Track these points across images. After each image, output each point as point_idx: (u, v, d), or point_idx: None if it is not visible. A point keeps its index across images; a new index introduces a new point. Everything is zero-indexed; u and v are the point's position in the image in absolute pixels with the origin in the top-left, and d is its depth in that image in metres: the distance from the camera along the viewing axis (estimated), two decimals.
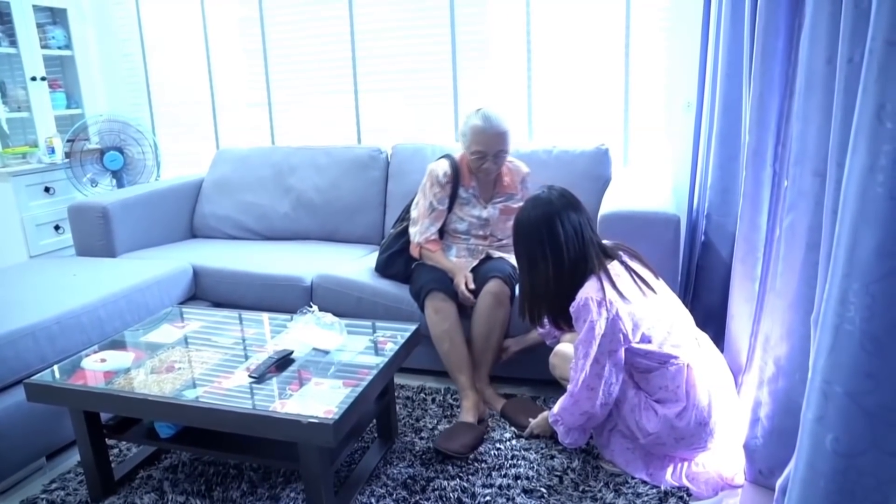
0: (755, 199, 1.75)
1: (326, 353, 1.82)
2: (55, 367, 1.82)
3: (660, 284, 1.81)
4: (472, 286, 2.22)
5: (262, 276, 2.61)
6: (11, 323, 1.97)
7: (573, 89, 3.07)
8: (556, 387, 2.36)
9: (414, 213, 2.45)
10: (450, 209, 2.40)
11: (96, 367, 1.80)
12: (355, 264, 2.65)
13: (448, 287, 2.24)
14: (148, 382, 1.69)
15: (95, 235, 2.91)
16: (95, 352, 1.91)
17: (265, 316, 2.14)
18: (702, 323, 2.46)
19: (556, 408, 1.81)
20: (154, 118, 3.93)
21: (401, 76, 3.32)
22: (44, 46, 3.70)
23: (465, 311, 2.26)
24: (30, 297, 2.21)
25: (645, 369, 1.74)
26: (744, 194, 1.81)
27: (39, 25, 3.67)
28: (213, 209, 3.27)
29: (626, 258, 1.80)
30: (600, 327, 1.65)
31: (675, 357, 1.71)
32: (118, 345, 1.96)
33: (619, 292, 1.68)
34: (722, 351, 1.97)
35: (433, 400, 2.30)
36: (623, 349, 1.69)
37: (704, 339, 1.87)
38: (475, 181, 2.39)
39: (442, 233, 2.44)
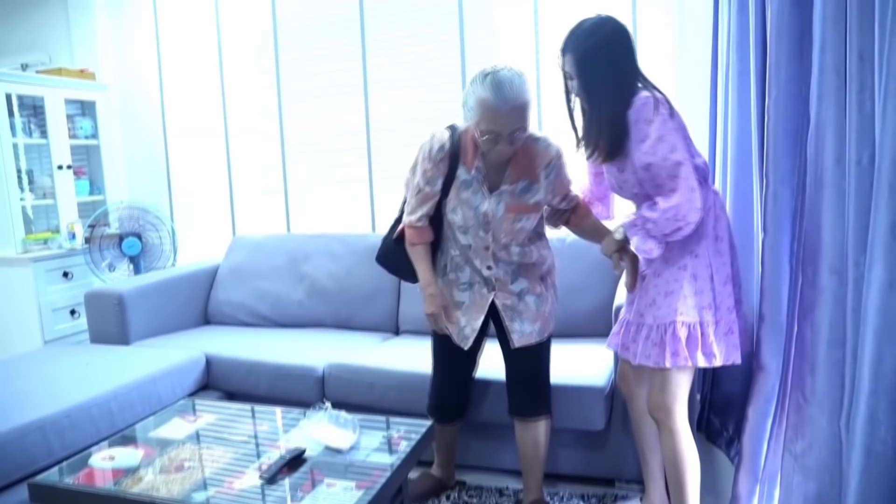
0: (775, 297, 1.74)
1: (339, 451, 1.78)
2: (62, 466, 1.78)
3: None
4: (447, 330, 2.02)
5: (275, 365, 2.59)
6: (21, 417, 1.96)
7: None
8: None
9: (404, 190, 2.07)
10: (445, 193, 1.93)
11: (104, 466, 1.77)
12: (368, 352, 2.63)
13: (449, 413, 2.16)
14: (156, 483, 1.65)
15: (110, 322, 2.92)
16: (104, 448, 1.87)
17: (278, 411, 2.10)
18: (722, 413, 2.41)
19: (646, 214, 1.71)
20: (173, 204, 4.02)
21: None
22: (72, 136, 3.85)
23: (466, 423, 2.25)
24: (41, 389, 2.21)
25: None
26: (762, 290, 1.79)
27: (69, 116, 3.83)
28: (228, 296, 3.29)
29: None
30: (669, 123, 1.68)
31: (711, 181, 1.79)
32: (128, 440, 1.93)
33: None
34: (742, 450, 1.90)
35: (447, 496, 2.23)
36: None
37: None
38: (480, 161, 1.89)
39: (441, 227, 2.01)
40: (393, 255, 2.10)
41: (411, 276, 2.09)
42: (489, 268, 1.98)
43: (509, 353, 2.08)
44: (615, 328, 2.00)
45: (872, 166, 1.25)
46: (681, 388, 1.78)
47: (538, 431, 2.07)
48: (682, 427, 1.80)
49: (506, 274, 1.99)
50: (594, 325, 2.65)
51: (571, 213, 2.02)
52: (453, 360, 2.13)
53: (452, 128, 1.94)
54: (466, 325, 2.03)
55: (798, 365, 1.63)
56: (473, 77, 1.79)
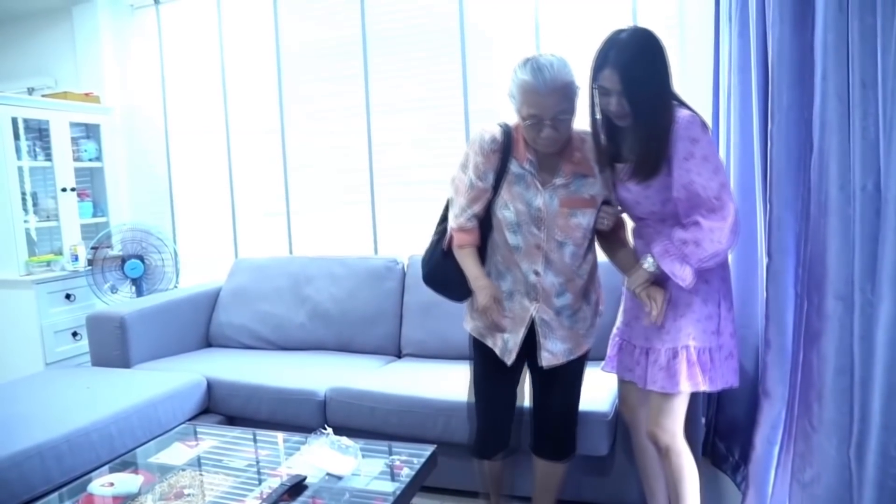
0: (781, 323, 1.73)
1: (340, 478, 1.76)
2: (61, 492, 1.76)
3: None
4: (503, 324, 1.86)
5: (276, 389, 2.58)
6: (19, 442, 1.94)
7: None
8: None
9: (451, 192, 1.93)
10: (496, 191, 1.83)
11: (103, 493, 1.74)
12: (370, 376, 2.62)
13: (497, 449, 2.00)
14: None
15: (112, 345, 2.91)
16: (104, 474, 1.85)
17: (280, 436, 2.08)
18: (727, 437, 2.38)
19: (683, 236, 1.66)
20: (175, 226, 4.02)
21: (418, 187, 3.40)
22: (76, 159, 3.86)
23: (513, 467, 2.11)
24: (41, 413, 2.19)
25: None
26: (767, 317, 1.78)
27: (73, 139, 3.85)
28: (230, 318, 3.28)
29: None
30: (713, 145, 1.67)
31: None
32: (128, 465, 1.91)
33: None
34: (748, 477, 1.88)
35: None
36: None
37: None
38: (532, 154, 1.81)
39: (488, 230, 1.88)
40: (441, 267, 1.94)
41: (458, 292, 1.94)
42: (537, 273, 1.83)
43: (538, 379, 1.95)
44: (610, 351, 2.00)
45: (878, 193, 1.25)
46: (682, 410, 1.80)
47: (558, 468, 2.02)
48: (684, 446, 1.82)
49: (552, 285, 1.84)
50: (597, 348, 2.62)
51: (619, 227, 1.92)
52: (500, 384, 1.98)
53: (503, 124, 1.87)
54: (510, 339, 1.89)
55: (804, 392, 1.61)
56: (515, 66, 1.74)
